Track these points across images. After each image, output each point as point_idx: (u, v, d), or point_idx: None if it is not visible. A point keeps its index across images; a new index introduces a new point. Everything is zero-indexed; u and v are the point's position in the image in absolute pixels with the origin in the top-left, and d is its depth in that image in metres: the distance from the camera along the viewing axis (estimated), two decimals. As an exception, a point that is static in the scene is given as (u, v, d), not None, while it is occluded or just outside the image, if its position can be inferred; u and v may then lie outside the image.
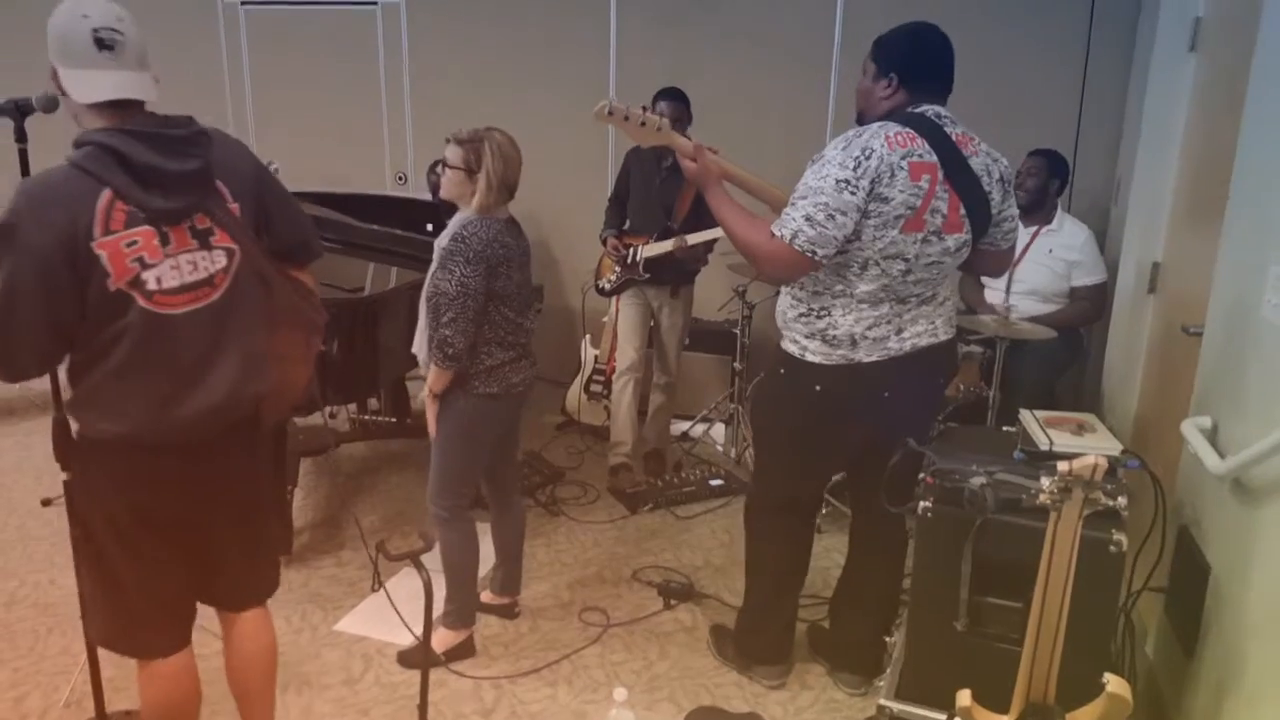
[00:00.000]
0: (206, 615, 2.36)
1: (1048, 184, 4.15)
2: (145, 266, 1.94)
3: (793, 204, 2.45)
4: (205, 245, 2.03)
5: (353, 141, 5.87)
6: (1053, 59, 4.72)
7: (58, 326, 1.92)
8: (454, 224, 2.88)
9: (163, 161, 1.93)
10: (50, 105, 2.23)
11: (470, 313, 2.80)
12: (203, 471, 2.14)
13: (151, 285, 1.96)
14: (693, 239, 4.14)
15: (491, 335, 2.89)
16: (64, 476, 2.45)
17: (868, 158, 2.39)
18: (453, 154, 2.87)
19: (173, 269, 1.98)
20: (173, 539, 2.16)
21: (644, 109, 2.69)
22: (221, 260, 2.07)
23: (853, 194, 2.39)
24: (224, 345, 2.08)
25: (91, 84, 1.91)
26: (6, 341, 1.90)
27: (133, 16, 1.97)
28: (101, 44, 1.89)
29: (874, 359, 2.59)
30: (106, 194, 1.89)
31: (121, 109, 1.94)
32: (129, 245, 1.92)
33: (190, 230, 2.01)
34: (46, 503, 4.16)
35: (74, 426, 2.09)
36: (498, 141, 2.85)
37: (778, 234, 2.45)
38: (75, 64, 1.90)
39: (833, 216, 2.40)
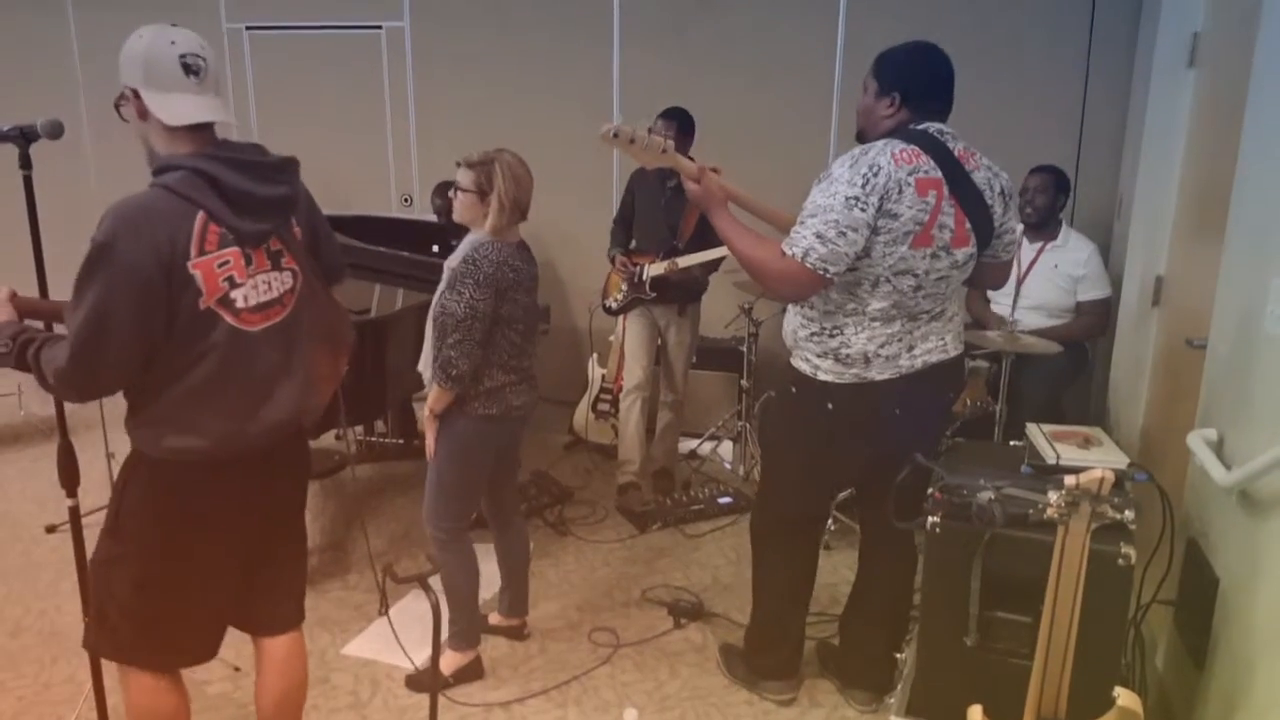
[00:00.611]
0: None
1: (1054, 201, 4.17)
2: (234, 286, 2.03)
3: (802, 222, 2.47)
4: (277, 266, 2.14)
5: (358, 164, 5.90)
6: (1054, 75, 4.75)
7: (147, 345, 1.96)
8: (466, 245, 2.89)
9: (253, 187, 2.03)
10: (56, 131, 2.26)
11: (476, 335, 2.81)
12: (260, 487, 2.21)
13: (240, 304, 2.05)
14: (684, 261, 4.16)
15: (494, 359, 2.89)
16: (70, 503, 2.47)
17: (876, 174, 2.41)
18: (464, 177, 2.87)
19: (253, 288, 2.08)
20: (226, 556, 2.20)
21: (648, 130, 2.71)
22: (289, 281, 2.17)
23: (862, 211, 2.41)
24: (291, 362, 2.18)
25: (179, 107, 1.98)
26: (97, 360, 1.94)
27: (210, 45, 2.04)
28: (188, 69, 1.98)
29: (886, 376, 2.59)
30: (201, 216, 1.96)
31: (198, 133, 2.02)
32: (221, 265, 2.00)
33: (266, 251, 2.10)
34: (51, 529, 4.16)
35: (133, 443, 2.12)
36: (508, 162, 2.85)
37: (789, 252, 2.46)
38: (162, 88, 1.97)
39: (844, 234, 2.41)
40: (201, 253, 1.96)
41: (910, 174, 2.43)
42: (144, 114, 1.99)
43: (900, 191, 2.42)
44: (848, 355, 2.59)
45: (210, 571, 2.19)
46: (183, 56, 1.97)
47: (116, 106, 2.02)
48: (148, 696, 2.26)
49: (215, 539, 2.16)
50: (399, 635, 3.12)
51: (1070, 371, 4.18)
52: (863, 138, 2.63)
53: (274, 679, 2.43)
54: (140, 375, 2.01)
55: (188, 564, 2.15)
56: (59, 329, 2.05)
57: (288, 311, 2.16)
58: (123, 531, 2.15)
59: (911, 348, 2.60)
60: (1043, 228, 4.17)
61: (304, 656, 2.49)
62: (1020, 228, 2.90)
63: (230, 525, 2.18)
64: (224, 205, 1.98)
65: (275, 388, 2.14)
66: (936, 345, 2.64)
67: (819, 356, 2.64)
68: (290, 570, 2.43)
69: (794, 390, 2.73)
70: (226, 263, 2.00)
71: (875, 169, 2.41)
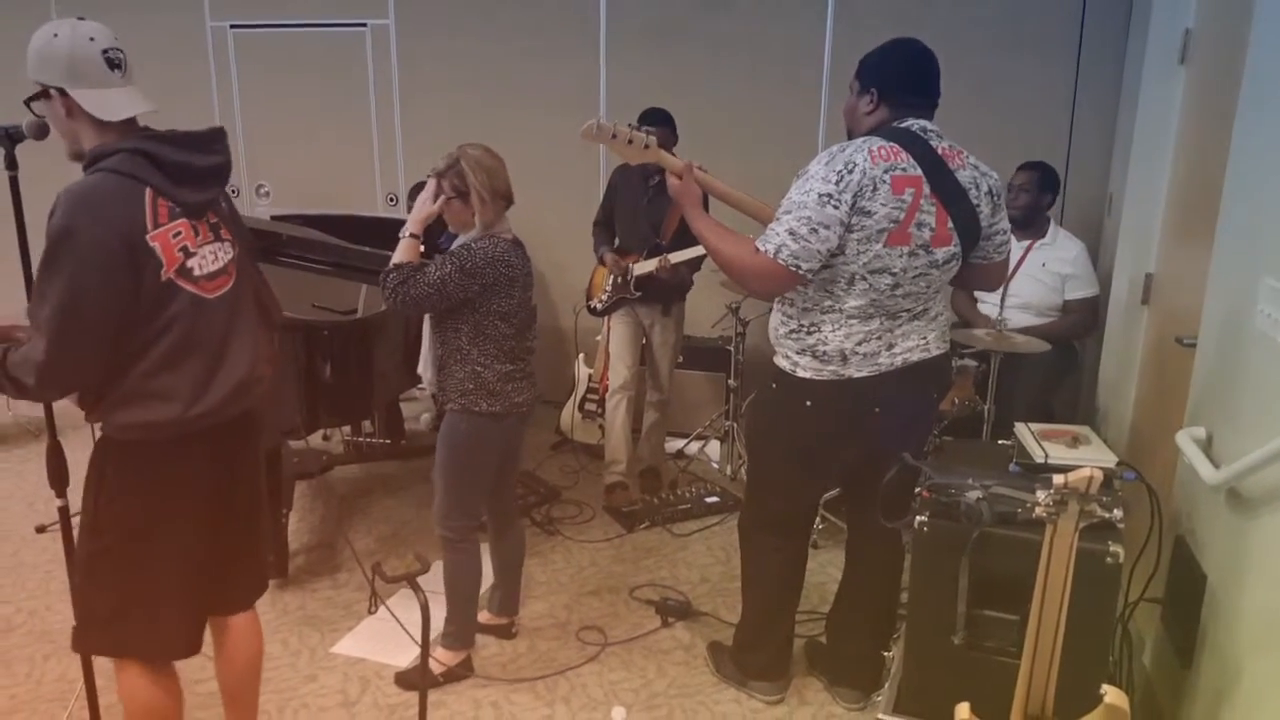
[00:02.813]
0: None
1: (1040, 198, 4.17)
2: (189, 255, 2.10)
3: (777, 219, 2.47)
4: (218, 238, 2.21)
5: (343, 163, 5.88)
6: (1044, 73, 4.75)
7: (119, 325, 2.00)
8: (464, 237, 2.90)
9: (190, 158, 2.08)
10: (42, 133, 2.24)
11: (427, 304, 2.83)
12: (225, 456, 2.26)
13: (197, 271, 2.12)
14: (675, 258, 4.15)
15: (490, 347, 2.89)
16: (59, 503, 2.47)
17: (850, 172, 2.41)
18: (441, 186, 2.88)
19: (202, 258, 2.14)
20: (201, 530, 2.24)
21: (630, 126, 2.70)
22: (230, 251, 2.25)
23: (835, 208, 2.40)
24: (238, 328, 2.25)
25: (113, 102, 2.03)
26: (77, 344, 1.96)
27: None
28: (112, 64, 2.03)
29: (864, 374, 2.59)
30: (149, 191, 2.01)
31: (124, 123, 2.06)
32: (175, 236, 2.07)
33: (207, 224, 2.18)
34: (41, 529, 4.15)
35: (104, 430, 2.14)
36: (473, 157, 2.86)
37: (762, 249, 2.46)
38: (91, 84, 2.01)
39: (815, 230, 2.41)
40: (156, 225, 2.02)
41: (886, 171, 2.43)
42: (72, 111, 2.02)
43: (875, 189, 2.42)
44: (825, 352, 2.59)
45: (188, 550, 2.23)
46: (105, 52, 2.01)
47: (28, 103, 2.06)
48: (144, 691, 2.28)
49: (190, 514, 2.21)
50: (392, 632, 3.10)
51: (1059, 370, 4.18)
52: (850, 138, 2.62)
53: (232, 657, 2.50)
54: (107, 363, 2.03)
55: (168, 543, 2.19)
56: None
57: (233, 281, 2.23)
58: (101, 524, 2.17)
59: (891, 346, 2.60)
60: (1028, 225, 4.17)
61: (259, 634, 2.55)
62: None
63: (202, 498, 2.22)
64: (166, 179, 2.04)
65: (228, 351, 2.20)
66: (918, 344, 2.63)
67: (798, 353, 2.64)
68: (251, 555, 2.47)
69: (774, 387, 2.73)
70: (179, 233, 2.07)
71: (850, 166, 2.41)
